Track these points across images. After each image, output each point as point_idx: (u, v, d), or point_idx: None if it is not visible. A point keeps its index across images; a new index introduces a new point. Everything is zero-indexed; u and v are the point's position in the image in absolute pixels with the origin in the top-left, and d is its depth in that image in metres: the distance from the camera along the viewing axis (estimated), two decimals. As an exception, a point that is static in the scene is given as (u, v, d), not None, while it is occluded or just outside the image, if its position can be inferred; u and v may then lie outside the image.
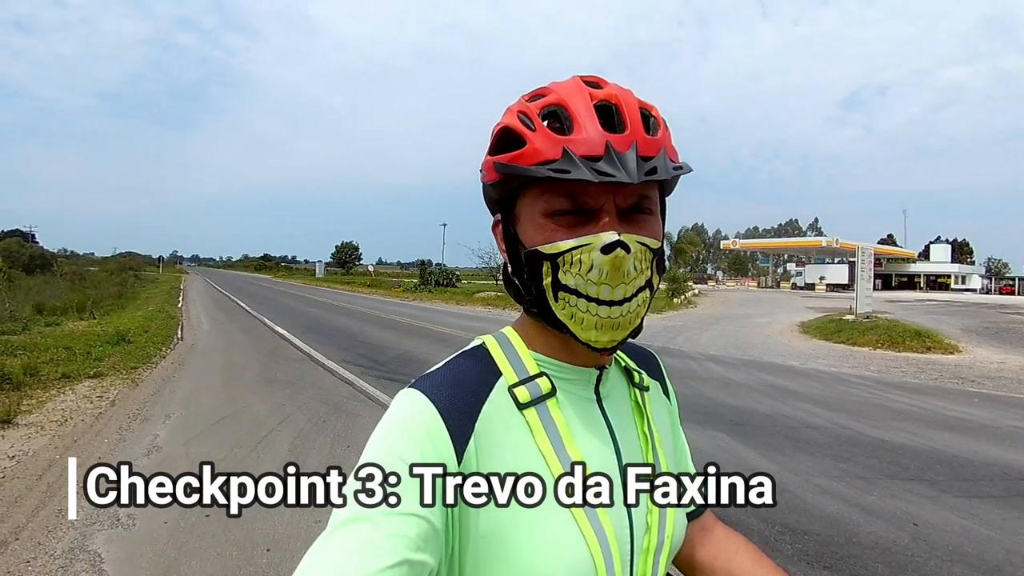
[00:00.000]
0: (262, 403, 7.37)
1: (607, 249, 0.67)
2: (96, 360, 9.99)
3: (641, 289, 0.72)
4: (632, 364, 0.90)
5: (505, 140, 0.73)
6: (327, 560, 0.58)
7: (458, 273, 48.96)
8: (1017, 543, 3.86)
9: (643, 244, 0.71)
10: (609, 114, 0.71)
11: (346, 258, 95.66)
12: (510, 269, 0.80)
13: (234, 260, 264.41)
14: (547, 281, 0.72)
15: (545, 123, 0.71)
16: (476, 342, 0.83)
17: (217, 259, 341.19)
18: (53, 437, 5.94)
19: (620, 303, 0.71)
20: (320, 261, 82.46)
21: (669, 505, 0.81)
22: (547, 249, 0.70)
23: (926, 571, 3.49)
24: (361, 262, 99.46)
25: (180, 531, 3.88)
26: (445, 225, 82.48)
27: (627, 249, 0.68)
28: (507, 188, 0.75)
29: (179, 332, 14.58)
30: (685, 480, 0.93)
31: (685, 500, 0.91)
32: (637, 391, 0.86)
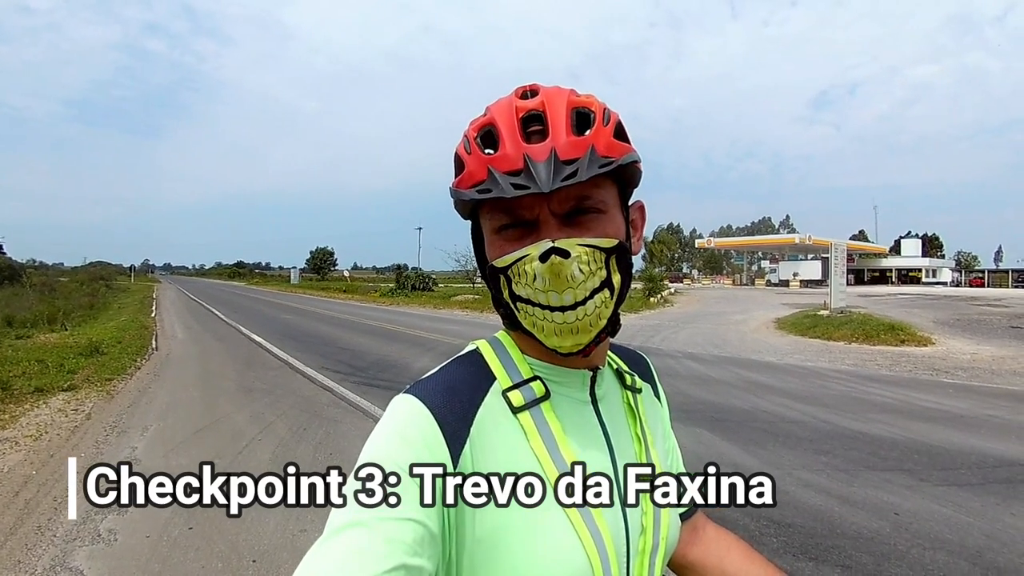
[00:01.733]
0: (241, 412, 7.28)
1: (543, 257, 0.68)
2: (69, 372, 9.79)
3: (597, 290, 0.72)
4: (624, 366, 0.91)
5: (456, 165, 0.76)
6: (324, 565, 0.58)
7: (434, 276, 48.85)
8: (996, 528, 3.94)
9: (589, 246, 0.70)
10: (536, 123, 0.72)
11: (321, 264, 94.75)
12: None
13: (207, 268, 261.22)
14: (506, 294, 0.75)
15: (480, 144, 0.72)
16: (470, 347, 0.83)
17: (190, 267, 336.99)
18: (28, 452, 5.82)
19: (572, 307, 0.71)
20: (295, 267, 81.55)
21: (664, 506, 0.82)
22: (498, 263, 0.73)
23: (909, 559, 3.54)
24: (336, 267, 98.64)
25: (163, 545, 3.82)
26: (420, 229, 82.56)
27: (565, 255, 0.68)
28: (467, 210, 0.78)
29: (153, 342, 14.35)
30: (682, 480, 0.95)
31: (683, 500, 0.93)
32: (629, 393, 0.87)
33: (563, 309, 0.70)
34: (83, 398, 8.20)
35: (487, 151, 0.71)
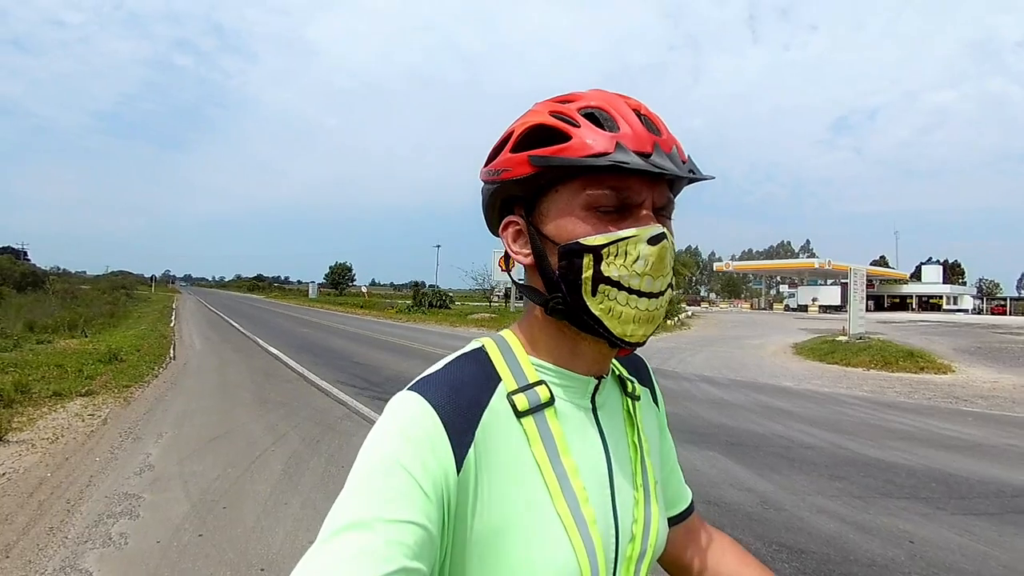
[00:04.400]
0: (256, 423, 7.32)
1: (654, 240, 0.70)
2: (88, 378, 9.90)
3: (670, 285, 0.75)
4: (625, 372, 0.91)
5: (538, 136, 0.73)
6: (325, 566, 0.57)
7: (451, 295, 48.89)
8: (1014, 559, 3.86)
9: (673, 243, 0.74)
10: (642, 119, 0.73)
11: (339, 279, 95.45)
12: (524, 272, 0.81)
13: (227, 280, 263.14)
14: (587, 274, 0.71)
15: (589, 121, 0.72)
16: (475, 344, 0.82)
17: (210, 279, 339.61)
18: (44, 455, 5.88)
19: (658, 295, 0.72)
20: (313, 282, 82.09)
21: (655, 515, 0.82)
22: (590, 241, 0.70)
23: (923, 589, 3.48)
24: (354, 283, 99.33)
25: (173, 551, 3.84)
26: (439, 246, 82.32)
27: (669, 242, 0.72)
28: (537, 184, 0.74)
29: (171, 351, 14.49)
30: (674, 486, 1.00)
31: (678, 503, 1.00)
32: (629, 400, 0.86)
33: (650, 296, 0.72)
34: (100, 403, 8.29)
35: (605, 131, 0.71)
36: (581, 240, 0.71)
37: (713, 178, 0.77)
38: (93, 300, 34.29)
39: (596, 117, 0.72)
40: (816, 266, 53.40)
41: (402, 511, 0.61)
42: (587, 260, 0.71)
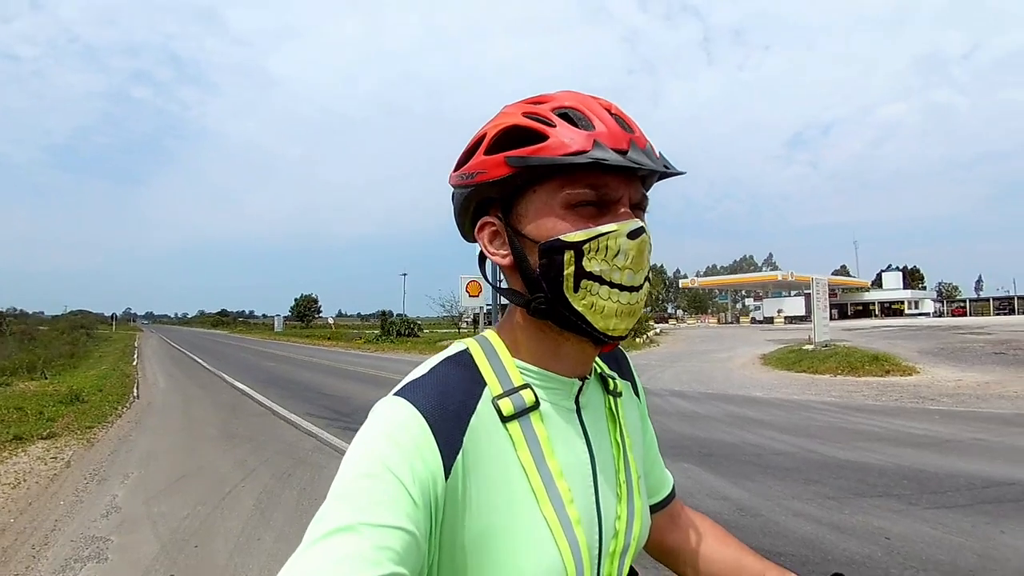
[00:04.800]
0: (224, 459, 7.16)
1: (634, 234, 0.72)
2: (49, 420, 9.59)
3: (647, 279, 0.76)
4: (607, 369, 0.91)
5: (512, 138, 0.73)
6: (310, 570, 0.56)
7: (420, 323, 48.62)
8: (988, 547, 3.94)
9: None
10: (615, 117, 0.74)
11: (305, 311, 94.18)
12: (502, 274, 0.81)
13: (190, 316, 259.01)
14: (569, 270, 0.71)
15: (564, 120, 0.73)
16: (459, 347, 0.81)
17: (172, 315, 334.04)
18: (6, 500, 5.68)
19: (638, 288, 0.74)
20: (279, 315, 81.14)
21: (638, 510, 0.84)
22: (571, 238, 0.71)
23: (901, 584, 3.52)
24: (321, 314, 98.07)
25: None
26: (405, 275, 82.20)
27: (648, 237, 0.74)
28: (514, 185, 0.74)
29: (135, 390, 14.13)
30: (656, 473, 1.02)
31: (660, 490, 1.02)
32: (611, 398, 0.87)
33: (631, 289, 0.73)
34: (63, 446, 8.03)
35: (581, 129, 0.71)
36: (562, 237, 0.71)
37: (684, 172, 0.78)
38: (52, 341, 33.49)
39: (571, 116, 0.72)
40: (779, 278, 54.28)
41: (390, 516, 0.60)
42: (568, 256, 0.71)
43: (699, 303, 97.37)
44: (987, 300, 68.63)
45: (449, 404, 0.71)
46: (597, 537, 0.76)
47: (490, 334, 0.82)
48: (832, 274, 75.01)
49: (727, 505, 4.97)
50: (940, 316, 60.83)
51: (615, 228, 0.71)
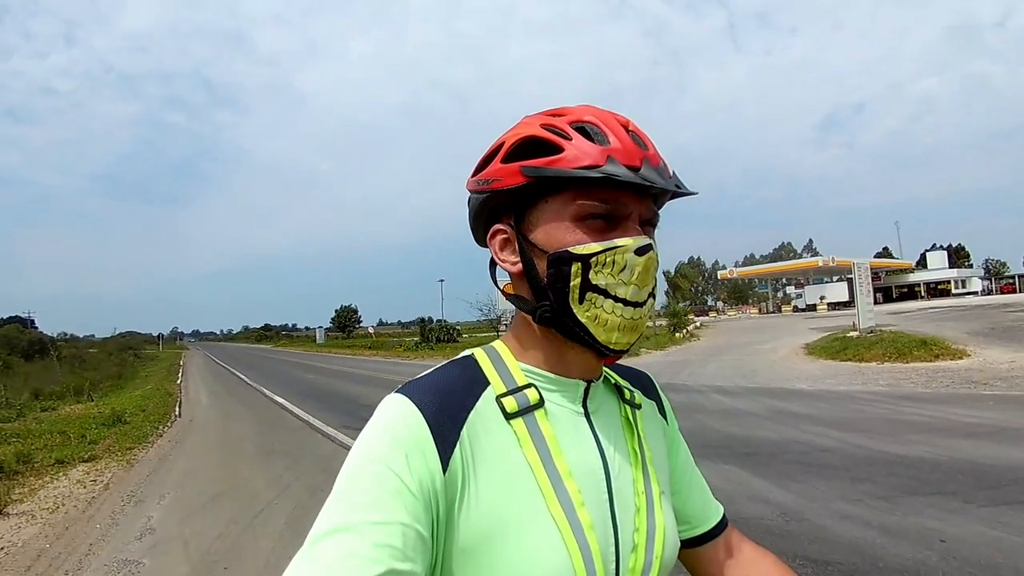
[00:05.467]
0: (260, 476, 7.18)
1: (641, 251, 0.72)
2: (91, 443, 9.78)
3: (651, 295, 0.76)
4: (622, 382, 0.90)
5: (529, 148, 0.74)
6: (310, 572, 0.57)
7: (459, 328, 48.72)
8: (1051, 550, 3.66)
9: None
10: (631, 134, 0.74)
11: (346, 322, 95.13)
12: (511, 280, 0.82)
13: (235, 332, 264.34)
14: (575, 282, 0.72)
15: (579, 134, 0.73)
16: (466, 353, 0.83)
17: (218, 332, 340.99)
18: (44, 525, 5.75)
19: (642, 304, 0.74)
20: (320, 327, 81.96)
21: (660, 525, 0.80)
22: (579, 250, 0.72)
23: (959, 592, 3.29)
24: (361, 324, 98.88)
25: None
26: (443, 281, 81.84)
27: (655, 253, 0.74)
28: (527, 194, 0.75)
29: (177, 409, 14.37)
30: (699, 500, 0.96)
31: (705, 518, 0.95)
32: (628, 407, 0.85)
33: (635, 304, 0.73)
34: (103, 468, 8.16)
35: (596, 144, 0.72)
36: (571, 248, 0.72)
37: (696, 193, 0.78)
38: (100, 363, 34.37)
39: (587, 131, 0.73)
40: (820, 264, 53.21)
41: (388, 512, 0.61)
42: (575, 268, 0.72)
43: (739, 294, 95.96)
44: (1036, 275, 66.33)
45: (448, 400, 0.72)
46: (613, 548, 0.73)
47: (497, 343, 0.84)
48: (875, 257, 73.15)
49: (771, 510, 4.75)
50: (988, 294, 58.87)
51: (624, 243, 0.72)
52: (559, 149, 0.72)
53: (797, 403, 9.68)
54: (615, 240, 0.72)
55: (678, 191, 0.75)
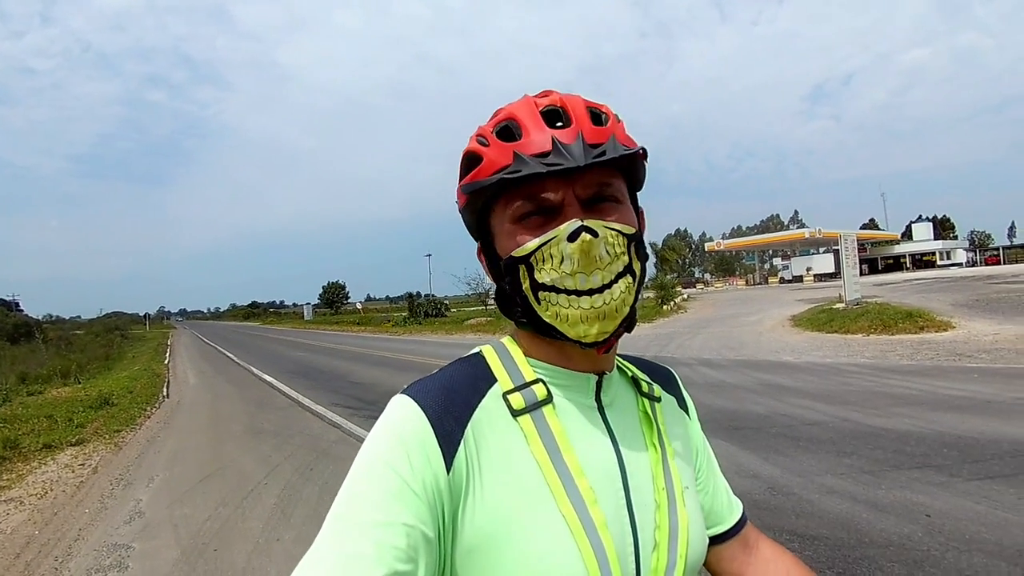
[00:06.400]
0: (248, 456, 7.15)
1: (572, 236, 0.68)
2: (79, 426, 9.71)
3: (621, 275, 0.72)
4: (640, 374, 0.88)
5: (468, 164, 0.75)
6: (315, 574, 0.57)
7: (447, 302, 48.69)
8: (1035, 523, 3.70)
9: (612, 229, 0.71)
10: (556, 116, 0.73)
11: (334, 298, 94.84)
12: (493, 288, 0.81)
13: (222, 310, 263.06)
14: (526, 285, 0.72)
15: (499, 137, 0.73)
16: (475, 350, 0.83)
17: (205, 311, 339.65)
18: (32, 511, 5.71)
19: (600, 290, 0.70)
20: (308, 304, 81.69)
21: (684, 522, 0.77)
22: (519, 252, 0.72)
23: (944, 565, 3.32)
24: (349, 300, 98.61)
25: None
26: (430, 255, 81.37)
27: (594, 234, 0.69)
28: (476, 208, 0.77)
29: (164, 390, 14.28)
30: (722, 498, 0.94)
31: (726, 515, 0.93)
32: (646, 400, 0.83)
33: (590, 293, 0.70)
34: (91, 452, 8.11)
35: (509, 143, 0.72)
36: (512, 252, 0.73)
37: (634, 150, 0.74)
38: (87, 345, 34.18)
39: (509, 130, 0.73)
40: (806, 235, 53.34)
41: (392, 513, 0.61)
42: (522, 271, 0.72)
43: (726, 266, 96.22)
44: (1021, 247, 66.98)
45: (452, 398, 0.72)
46: (632, 547, 0.71)
47: (506, 338, 0.83)
48: (860, 228, 73.22)
49: (758, 484, 4.79)
50: (973, 266, 59.28)
51: (553, 235, 0.69)
52: (480, 159, 0.73)
53: (783, 375, 9.75)
54: (546, 234, 0.70)
55: (599, 161, 0.69)
